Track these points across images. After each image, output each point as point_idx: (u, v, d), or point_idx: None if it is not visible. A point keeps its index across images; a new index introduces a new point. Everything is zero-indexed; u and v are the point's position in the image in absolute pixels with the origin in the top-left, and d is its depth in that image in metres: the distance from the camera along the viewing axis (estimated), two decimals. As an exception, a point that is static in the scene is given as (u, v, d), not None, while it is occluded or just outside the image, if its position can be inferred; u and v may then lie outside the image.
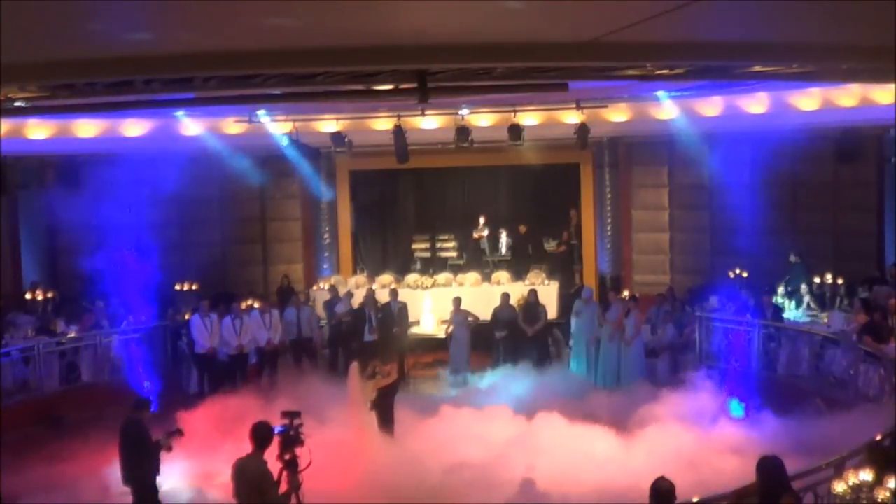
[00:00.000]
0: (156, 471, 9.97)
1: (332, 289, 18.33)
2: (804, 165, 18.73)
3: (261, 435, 7.94)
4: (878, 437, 8.96)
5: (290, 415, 8.37)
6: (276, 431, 8.12)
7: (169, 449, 10.01)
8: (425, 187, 22.30)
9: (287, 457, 8.18)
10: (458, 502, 10.54)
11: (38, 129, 17.04)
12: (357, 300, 17.70)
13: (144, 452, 9.87)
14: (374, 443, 12.14)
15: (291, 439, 8.22)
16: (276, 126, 18.17)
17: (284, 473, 8.16)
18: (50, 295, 17.60)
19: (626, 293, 17.72)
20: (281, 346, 16.52)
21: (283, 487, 8.11)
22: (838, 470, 8.21)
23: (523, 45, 6.67)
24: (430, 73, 7.75)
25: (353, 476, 11.11)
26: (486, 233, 20.68)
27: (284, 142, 18.29)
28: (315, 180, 20.38)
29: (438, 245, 21.23)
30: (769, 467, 7.33)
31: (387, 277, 19.44)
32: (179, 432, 10.20)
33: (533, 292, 17.49)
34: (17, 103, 9.33)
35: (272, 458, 8.13)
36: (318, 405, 13.39)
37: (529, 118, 18.33)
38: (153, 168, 18.43)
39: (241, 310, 16.28)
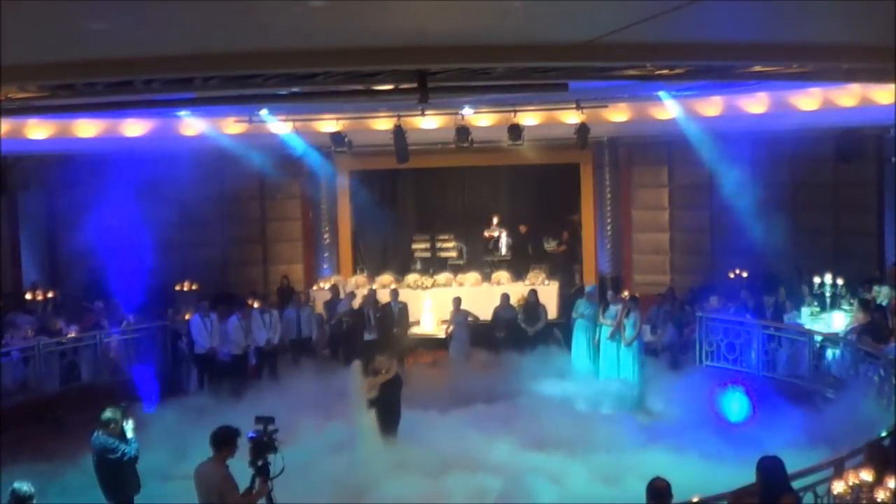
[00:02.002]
0: (135, 487, 9.59)
1: (334, 288, 18.33)
2: (804, 165, 18.76)
3: (219, 440, 7.89)
4: (878, 437, 8.97)
5: (265, 420, 8.13)
6: (249, 437, 8.01)
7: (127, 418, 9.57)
8: (425, 187, 22.29)
9: (259, 463, 8.00)
10: (460, 502, 10.54)
11: (38, 129, 17.03)
12: (359, 300, 17.70)
13: (119, 469, 9.45)
14: (372, 442, 12.07)
15: (265, 445, 8.02)
16: (277, 125, 18.18)
17: (257, 480, 8.00)
18: (50, 295, 17.59)
19: (626, 293, 17.71)
20: (280, 346, 16.50)
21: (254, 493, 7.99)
22: (838, 470, 8.21)
23: (523, 45, 6.68)
24: (430, 73, 7.76)
25: (352, 476, 11.10)
26: (497, 233, 20.71)
27: (291, 139, 18.37)
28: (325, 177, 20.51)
29: (438, 245, 21.20)
30: (769, 467, 7.34)
31: (387, 277, 19.45)
32: (126, 406, 9.82)
33: (533, 292, 17.50)
34: (17, 103, 9.33)
35: (245, 464, 8.01)
36: (317, 405, 13.47)
37: (529, 118, 18.32)
38: (153, 168, 18.42)
39: (246, 310, 16.25)
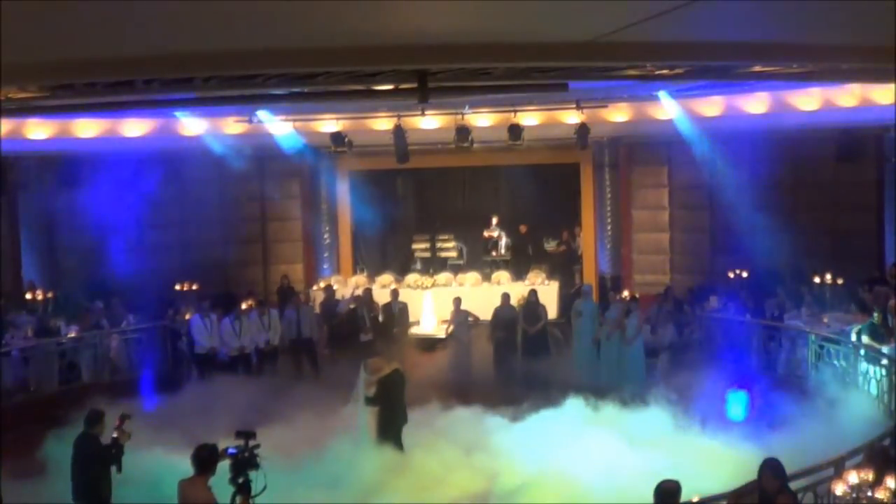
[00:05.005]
0: (108, 492, 9.53)
1: (328, 289, 18.30)
2: (804, 165, 18.76)
3: (200, 459, 7.65)
4: (879, 437, 8.98)
5: (245, 435, 7.83)
6: (228, 453, 7.76)
7: (128, 436, 9.55)
8: (425, 187, 22.30)
9: (240, 480, 7.72)
10: (462, 502, 10.54)
11: (38, 129, 17.03)
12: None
13: (98, 471, 9.41)
14: (368, 442, 12.03)
15: (246, 461, 7.73)
16: (277, 125, 18.19)
17: (237, 498, 7.74)
18: (50, 295, 17.60)
19: (626, 293, 17.71)
20: (280, 347, 16.49)
21: None
22: (838, 470, 8.22)
23: (523, 45, 6.67)
24: (430, 73, 7.75)
25: (353, 477, 11.09)
26: (496, 233, 20.72)
27: (291, 139, 18.40)
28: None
29: (438, 245, 21.23)
30: (767, 468, 7.34)
31: (387, 277, 19.46)
32: (126, 416, 9.74)
33: (533, 292, 17.49)
34: (17, 103, 9.33)
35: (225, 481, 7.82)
36: (317, 405, 13.46)
37: (529, 118, 18.32)
38: (153, 168, 18.43)
39: (242, 310, 16.25)
